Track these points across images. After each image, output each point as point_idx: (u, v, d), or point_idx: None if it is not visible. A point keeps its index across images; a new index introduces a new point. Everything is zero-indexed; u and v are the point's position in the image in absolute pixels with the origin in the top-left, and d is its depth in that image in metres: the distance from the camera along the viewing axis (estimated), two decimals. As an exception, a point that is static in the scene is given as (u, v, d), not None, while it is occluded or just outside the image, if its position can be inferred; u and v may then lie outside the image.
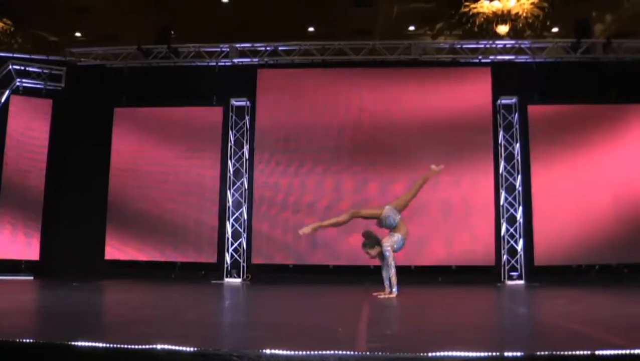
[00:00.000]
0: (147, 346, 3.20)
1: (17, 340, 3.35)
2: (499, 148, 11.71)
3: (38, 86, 12.27)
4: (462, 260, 11.17)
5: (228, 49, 12.28)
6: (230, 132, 12.02)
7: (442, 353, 3.06)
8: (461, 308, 6.82)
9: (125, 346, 3.24)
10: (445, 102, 11.69)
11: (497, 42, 12.30)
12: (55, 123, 12.07)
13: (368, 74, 12.03)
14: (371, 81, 11.92)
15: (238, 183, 11.94)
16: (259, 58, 12.27)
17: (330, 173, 11.59)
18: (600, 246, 11.05)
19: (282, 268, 11.48)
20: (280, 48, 12.24)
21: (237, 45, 12.27)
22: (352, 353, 3.11)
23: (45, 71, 12.32)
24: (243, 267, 11.67)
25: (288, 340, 3.72)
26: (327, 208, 11.40)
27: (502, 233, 11.44)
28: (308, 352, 3.09)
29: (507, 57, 12.09)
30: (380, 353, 3.12)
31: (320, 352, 3.08)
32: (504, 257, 11.38)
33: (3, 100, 11.88)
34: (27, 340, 3.37)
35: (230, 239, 11.76)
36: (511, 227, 11.50)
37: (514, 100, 11.70)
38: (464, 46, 12.18)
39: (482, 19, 13.38)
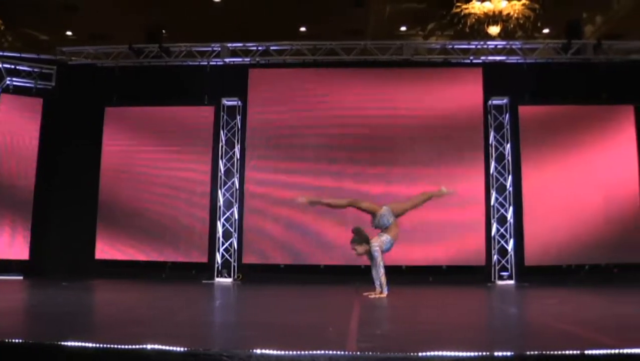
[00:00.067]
0: (137, 346, 3.20)
1: (6, 340, 3.33)
2: (490, 148, 11.73)
3: (28, 85, 12.21)
4: (452, 260, 11.19)
5: (219, 49, 12.27)
6: (222, 132, 12.00)
7: (432, 353, 3.07)
8: (451, 308, 6.83)
9: (116, 346, 3.23)
10: (436, 102, 11.70)
11: (489, 42, 12.34)
12: (46, 122, 12.00)
13: (359, 74, 12.03)
14: (363, 81, 11.92)
15: (229, 183, 11.92)
16: (250, 58, 12.26)
17: (321, 173, 11.57)
18: (590, 246, 11.09)
19: (273, 268, 11.47)
20: (271, 48, 12.22)
21: (229, 44, 12.25)
22: (342, 353, 3.11)
23: (35, 70, 12.26)
24: (234, 266, 11.65)
25: (279, 340, 3.72)
26: (317, 207, 11.41)
27: (493, 234, 11.47)
28: (299, 352, 3.09)
29: (498, 58, 12.12)
30: (370, 353, 3.13)
31: (310, 352, 3.08)
32: (495, 257, 11.41)
33: (-7, 98, 11.83)
34: (16, 340, 3.35)
35: (221, 239, 11.74)
36: (502, 227, 11.54)
37: (505, 100, 11.73)
38: (456, 47, 12.20)
39: (474, 20, 13.43)
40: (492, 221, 11.51)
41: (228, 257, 11.68)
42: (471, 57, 12.12)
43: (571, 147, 11.41)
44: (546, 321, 5.13)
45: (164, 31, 12.55)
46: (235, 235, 11.73)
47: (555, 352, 3.11)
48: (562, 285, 10.23)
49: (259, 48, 12.22)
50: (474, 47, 12.16)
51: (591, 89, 11.56)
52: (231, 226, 11.78)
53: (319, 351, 3.08)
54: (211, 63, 12.33)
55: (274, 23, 13.12)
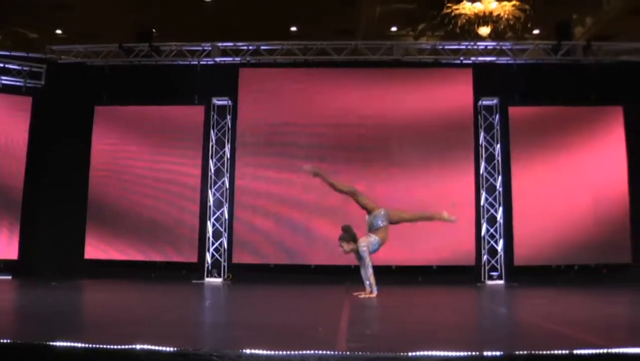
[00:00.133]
0: (126, 347, 3.19)
1: (-5, 340, 3.32)
2: (480, 148, 11.77)
3: (18, 83, 12.16)
4: (442, 260, 11.20)
5: (210, 48, 12.25)
6: (212, 131, 11.98)
7: (422, 353, 3.07)
8: (441, 308, 6.85)
9: (105, 346, 3.22)
10: (426, 102, 11.72)
11: (479, 43, 12.39)
12: (35, 121, 11.94)
13: (350, 74, 12.03)
14: (353, 81, 11.92)
15: (219, 183, 11.91)
16: (241, 57, 12.24)
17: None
18: (579, 246, 11.13)
19: (263, 268, 11.46)
20: (262, 47, 12.22)
21: (219, 44, 12.24)
22: (332, 352, 3.11)
23: (25, 68, 12.20)
24: (224, 266, 11.64)
25: (268, 340, 3.72)
26: (308, 207, 11.44)
27: (483, 234, 11.51)
28: (288, 352, 3.09)
29: (488, 59, 12.16)
30: (360, 353, 3.13)
31: (300, 352, 3.08)
32: (484, 257, 11.45)
33: (-18, 97, 11.76)
34: (5, 341, 3.33)
35: (211, 238, 11.72)
36: (491, 227, 11.58)
37: (495, 101, 11.77)
38: (446, 47, 12.24)
39: (464, 21, 13.49)
40: (482, 221, 11.54)
41: (218, 257, 11.67)
42: (461, 58, 12.16)
43: (561, 148, 11.45)
44: (535, 321, 5.15)
45: (154, 30, 12.50)
46: (226, 235, 11.72)
47: (544, 352, 3.12)
48: (551, 285, 10.28)
49: (250, 47, 12.21)
50: (464, 47, 12.21)
51: (581, 90, 11.62)
52: (221, 226, 11.77)
53: (308, 351, 3.08)
54: (201, 62, 12.32)
55: (264, 23, 13.13)
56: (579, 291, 9.04)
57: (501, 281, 11.26)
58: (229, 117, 12.00)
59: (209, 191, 11.82)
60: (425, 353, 3.07)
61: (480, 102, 11.82)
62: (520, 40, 13.10)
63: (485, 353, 3.07)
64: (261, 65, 12.31)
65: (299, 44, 12.19)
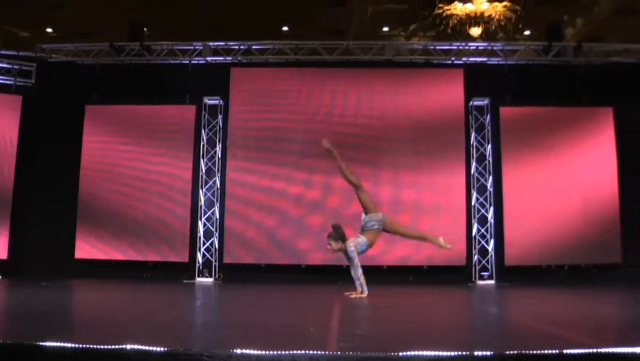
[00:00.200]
0: (116, 347, 3.18)
1: (-16, 341, 3.30)
2: (471, 149, 11.80)
3: (8, 82, 12.09)
4: (433, 259, 11.21)
5: (201, 47, 12.23)
6: (203, 131, 11.96)
7: (412, 353, 3.07)
8: (432, 307, 6.86)
9: (95, 346, 3.20)
10: (418, 102, 11.74)
11: (470, 44, 12.42)
12: (25, 119, 11.88)
13: (341, 74, 12.03)
14: (344, 81, 11.92)
15: (210, 183, 11.89)
16: (232, 57, 12.23)
17: (302, 171, 11.57)
18: (569, 246, 11.18)
19: (255, 268, 11.45)
20: (254, 47, 12.21)
21: (211, 43, 12.21)
22: (323, 352, 3.11)
23: (15, 67, 12.15)
24: (215, 266, 11.62)
25: (259, 340, 3.71)
26: (299, 206, 11.44)
27: (474, 234, 11.53)
28: (279, 352, 3.09)
29: (479, 59, 12.19)
30: (351, 353, 3.13)
31: (291, 352, 3.07)
32: (475, 257, 11.48)
33: (-28, 96, 11.70)
34: (-6, 340, 3.32)
35: (202, 238, 11.70)
36: (482, 227, 11.61)
37: (486, 101, 11.80)
38: (437, 47, 12.25)
39: (455, 21, 13.52)
40: (473, 221, 11.57)
41: (209, 257, 11.65)
42: (453, 58, 12.18)
43: (551, 148, 11.49)
44: (526, 321, 5.16)
45: (145, 29, 12.46)
46: (217, 235, 11.70)
47: (535, 352, 3.13)
48: (541, 285, 10.31)
49: (241, 47, 12.20)
50: (455, 48, 12.23)
51: (571, 90, 11.67)
52: (212, 225, 11.75)
53: (299, 351, 3.08)
54: (193, 62, 12.29)
55: (256, 22, 13.10)
56: (569, 291, 9.07)
57: (492, 281, 11.29)
58: (220, 117, 11.98)
59: (200, 191, 11.80)
60: (416, 353, 3.07)
61: (471, 103, 11.84)
62: (511, 41, 13.13)
63: (475, 353, 3.08)
64: (252, 65, 12.30)
65: (291, 43, 12.18)
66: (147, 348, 3.13)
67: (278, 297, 8.12)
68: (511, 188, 11.47)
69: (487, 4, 13.30)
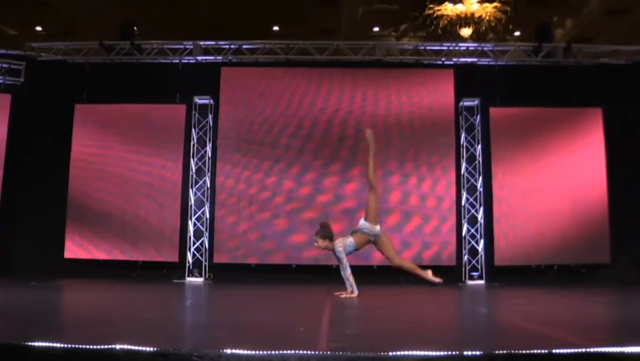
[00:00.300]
0: (106, 347, 3.16)
1: (-28, 341, 3.28)
2: (461, 149, 11.83)
3: (-4, 81, 12.05)
4: (423, 260, 11.22)
5: (192, 47, 12.20)
6: (193, 130, 11.93)
7: (402, 353, 3.08)
8: (422, 307, 6.87)
9: (84, 346, 3.19)
10: (408, 102, 11.76)
11: (460, 44, 12.45)
12: (14, 118, 11.80)
13: (332, 74, 12.03)
14: (335, 81, 11.92)
15: (200, 182, 11.87)
16: (222, 56, 12.21)
17: (292, 171, 11.58)
18: (558, 247, 11.23)
19: (245, 268, 11.43)
20: (244, 46, 12.19)
21: (201, 42, 12.19)
22: (313, 352, 3.11)
23: (4, 65, 12.06)
24: (205, 266, 11.59)
25: (249, 340, 3.71)
26: (290, 207, 11.44)
27: (464, 234, 11.56)
28: (269, 352, 3.08)
29: (469, 60, 12.23)
30: (341, 353, 3.13)
31: (281, 352, 3.07)
32: (465, 257, 11.51)
33: (-40, 94, 11.62)
34: (-18, 341, 3.30)
35: (192, 238, 11.67)
36: (472, 227, 11.64)
37: (476, 102, 11.84)
38: (428, 48, 12.27)
39: (446, 22, 13.56)
40: (463, 221, 11.60)
41: (199, 256, 11.63)
42: (443, 59, 12.20)
43: (541, 149, 11.53)
44: (515, 321, 5.18)
45: (135, 28, 12.42)
46: (207, 235, 11.67)
47: (524, 351, 3.14)
48: (531, 285, 10.35)
49: (232, 46, 12.18)
50: (446, 48, 12.25)
51: (561, 91, 11.72)
52: (202, 225, 11.72)
53: (289, 351, 3.07)
54: (183, 61, 12.26)
55: (246, 22, 13.09)
56: (559, 291, 9.11)
57: (482, 281, 11.32)
58: (210, 116, 11.96)
59: (190, 190, 11.77)
60: (406, 352, 3.07)
61: (461, 103, 11.87)
62: (501, 42, 13.19)
63: (465, 353, 3.09)
64: (243, 65, 12.28)
65: (281, 43, 12.17)
66: (136, 348, 3.12)
67: (268, 297, 8.11)
68: (501, 189, 11.50)
69: (478, 4, 13.35)
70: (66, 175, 11.67)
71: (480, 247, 11.51)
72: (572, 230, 11.27)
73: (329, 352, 3.16)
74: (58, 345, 3.22)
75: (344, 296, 7.42)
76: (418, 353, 3.06)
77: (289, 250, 11.38)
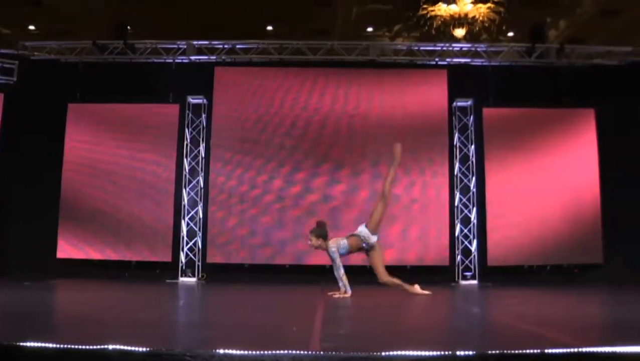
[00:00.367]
0: (98, 347, 3.15)
1: (-36, 341, 3.26)
2: (454, 149, 11.85)
3: (-11, 80, 12.00)
4: (416, 260, 11.26)
5: (185, 46, 12.18)
6: (187, 130, 11.92)
7: (395, 353, 3.08)
8: (415, 307, 6.87)
9: (76, 346, 3.18)
10: (401, 103, 11.78)
11: (454, 45, 12.47)
12: (7, 118, 11.77)
13: (326, 74, 12.04)
14: (328, 81, 11.93)
15: (194, 182, 11.85)
16: (216, 56, 12.19)
17: (286, 171, 11.58)
18: (551, 247, 11.26)
19: (238, 268, 11.43)
20: (238, 46, 12.18)
21: (195, 42, 12.17)
22: (305, 352, 3.11)
23: (-4, 64, 12.05)
24: (198, 266, 11.58)
25: (242, 340, 3.71)
26: (284, 206, 11.44)
27: (457, 234, 11.58)
28: (262, 352, 3.08)
29: (463, 60, 12.25)
30: (334, 353, 3.13)
31: (274, 352, 3.07)
32: (458, 257, 11.53)
33: (-48, 93, 11.57)
34: (-26, 341, 3.28)
35: (185, 238, 11.66)
36: (465, 227, 11.66)
37: (469, 102, 11.86)
38: (421, 48, 12.28)
39: (440, 22, 13.56)
40: (456, 222, 11.63)
41: (192, 256, 11.61)
42: (436, 59, 12.22)
43: (534, 149, 11.56)
44: (508, 320, 5.19)
45: (129, 27, 12.39)
46: (200, 234, 11.66)
47: (517, 351, 3.15)
48: (524, 285, 10.38)
49: (225, 46, 12.17)
50: (439, 49, 12.27)
51: (554, 92, 11.75)
52: (195, 225, 11.71)
53: (282, 351, 3.07)
54: (177, 60, 12.24)
55: (240, 22, 13.07)
56: (551, 291, 9.12)
57: (475, 281, 11.35)
58: (204, 116, 11.95)
59: (184, 190, 11.76)
60: (399, 352, 3.07)
61: (454, 103, 11.90)
62: (494, 43, 13.19)
63: (457, 353, 3.09)
64: (236, 64, 12.27)
65: (275, 43, 12.17)
66: (129, 348, 3.11)
67: (261, 297, 8.10)
68: (494, 189, 11.53)
69: (471, 5, 13.36)
70: (59, 175, 11.64)
71: (473, 247, 11.54)
72: (564, 230, 11.30)
73: (321, 352, 3.16)
74: (50, 345, 3.21)
75: (337, 296, 7.43)
76: (411, 353, 3.06)
77: (283, 250, 11.39)
